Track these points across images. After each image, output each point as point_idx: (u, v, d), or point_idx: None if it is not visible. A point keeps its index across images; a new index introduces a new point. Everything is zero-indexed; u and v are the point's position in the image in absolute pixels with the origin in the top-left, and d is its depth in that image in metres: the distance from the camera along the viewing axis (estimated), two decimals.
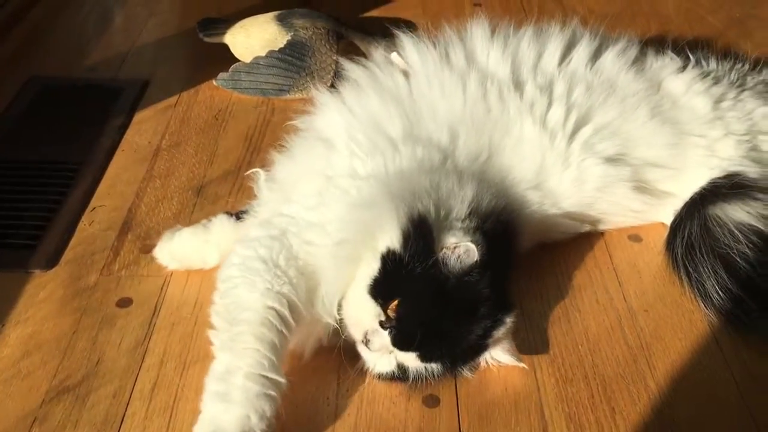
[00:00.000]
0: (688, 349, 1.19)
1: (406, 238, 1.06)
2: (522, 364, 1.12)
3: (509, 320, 1.10)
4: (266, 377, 1.02)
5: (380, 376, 1.10)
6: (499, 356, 1.12)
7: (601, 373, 1.15)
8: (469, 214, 1.11)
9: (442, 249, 1.06)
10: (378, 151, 1.19)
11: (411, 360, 1.07)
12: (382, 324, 1.06)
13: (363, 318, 1.07)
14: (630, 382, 1.14)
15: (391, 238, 1.07)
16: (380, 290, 1.06)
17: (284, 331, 1.07)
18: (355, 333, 1.09)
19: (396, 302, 1.04)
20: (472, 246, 1.05)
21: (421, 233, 1.06)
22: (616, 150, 1.30)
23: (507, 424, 1.08)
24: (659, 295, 1.29)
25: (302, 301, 1.10)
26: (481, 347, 1.10)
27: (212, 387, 1.02)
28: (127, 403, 1.08)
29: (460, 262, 1.05)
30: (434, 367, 1.07)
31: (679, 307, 1.26)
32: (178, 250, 1.28)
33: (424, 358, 1.06)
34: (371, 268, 1.07)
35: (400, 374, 1.08)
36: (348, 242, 1.10)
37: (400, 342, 1.05)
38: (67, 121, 1.66)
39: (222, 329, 1.07)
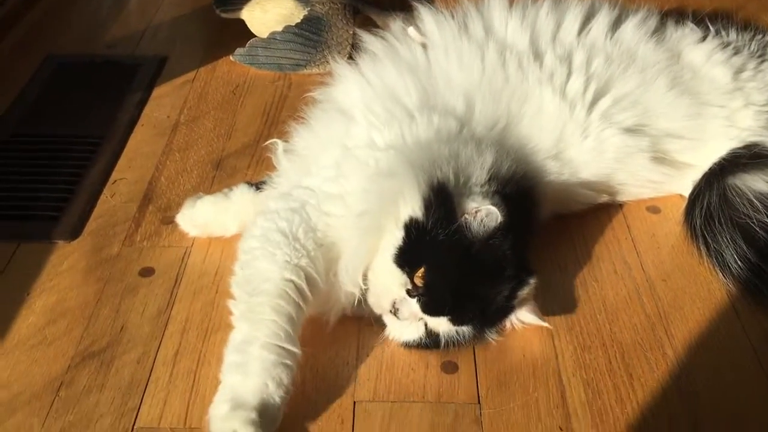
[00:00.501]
0: (707, 318, 1.19)
1: (428, 206, 1.07)
2: (546, 324, 1.13)
3: (532, 281, 1.11)
4: (282, 347, 1.03)
5: (407, 345, 1.11)
6: (524, 317, 1.13)
7: (619, 341, 1.16)
8: (489, 179, 1.12)
9: (463, 214, 1.07)
10: (395, 121, 1.20)
11: (443, 325, 1.07)
12: (409, 292, 1.07)
13: (390, 287, 1.08)
14: (648, 349, 1.14)
15: (412, 207, 1.08)
16: (406, 259, 1.06)
17: (301, 303, 1.08)
18: (383, 303, 1.10)
19: (422, 270, 1.05)
20: (494, 209, 1.05)
21: (442, 200, 1.07)
22: (635, 120, 1.29)
23: (525, 389, 1.09)
24: (677, 265, 1.29)
25: (320, 273, 1.11)
26: (508, 308, 1.11)
27: (230, 358, 1.03)
28: (151, 369, 1.10)
29: (483, 225, 1.06)
30: (465, 330, 1.08)
31: (698, 276, 1.26)
32: (199, 217, 1.30)
33: (456, 321, 1.07)
34: (395, 237, 1.08)
35: (430, 341, 1.09)
36: (370, 213, 1.11)
37: (431, 308, 1.06)
38: (86, 98, 1.67)
39: (241, 300, 1.08)
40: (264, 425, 0.98)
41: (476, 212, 1.06)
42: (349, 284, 1.11)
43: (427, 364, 1.12)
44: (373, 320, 1.14)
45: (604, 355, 1.14)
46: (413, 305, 1.07)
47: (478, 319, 1.08)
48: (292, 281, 1.08)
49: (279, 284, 1.07)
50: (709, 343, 1.16)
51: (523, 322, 1.14)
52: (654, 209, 1.40)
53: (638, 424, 1.04)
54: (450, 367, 1.12)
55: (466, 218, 1.06)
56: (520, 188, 1.15)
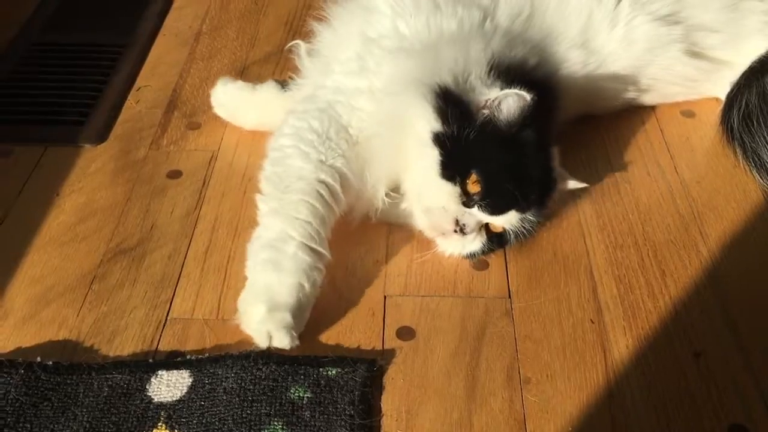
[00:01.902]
0: (742, 218, 1.17)
1: (443, 114, 1.04)
2: (585, 184, 1.15)
3: (557, 150, 1.12)
4: (315, 250, 1.02)
5: (472, 256, 1.09)
6: (567, 185, 1.13)
7: (652, 240, 1.14)
8: (489, 70, 1.08)
9: (480, 110, 1.04)
10: (421, 11, 1.17)
11: (511, 218, 1.05)
12: (465, 204, 1.05)
13: (447, 206, 1.05)
14: (681, 247, 1.13)
15: (428, 121, 1.05)
16: (452, 170, 1.04)
17: (333, 205, 1.07)
18: (445, 225, 1.06)
19: (473, 175, 1.03)
20: (514, 91, 1.02)
21: (453, 103, 1.04)
22: (668, 10, 1.25)
23: (556, 284, 1.08)
24: (712, 167, 1.26)
25: (354, 174, 1.09)
26: (553, 182, 1.10)
27: (262, 255, 1.01)
28: (183, 264, 1.11)
29: (512, 110, 1.03)
30: (529, 216, 1.06)
31: (733, 178, 1.24)
32: (223, 97, 1.32)
33: (523, 209, 1.05)
34: (429, 156, 1.05)
35: (494, 243, 1.08)
36: (380, 135, 1.09)
37: (498, 207, 1.04)
38: (107, 7, 1.65)
39: (272, 196, 1.06)
40: (296, 327, 0.99)
41: (496, 101, 1.03)
42: (372, 197, 1.10)
43: (457, 262, 1.12)
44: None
45: (636, 253, 1.12)
46: (476, 214, 1.05)
47: (538, 200, 1.07)
48: (326, 182, 1.06)
49: (313, 184, 1.05)
50: (745, 241, 1.14)
51: (564, 191, 1.13)
52: (689, 113, 1.37)
53: (670, 317, 1.04)
54: (481, 264, 1.11)
55: (484, 113, 1.04)
56: (534, 78, 1.11)
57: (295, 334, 0.98)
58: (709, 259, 1.11)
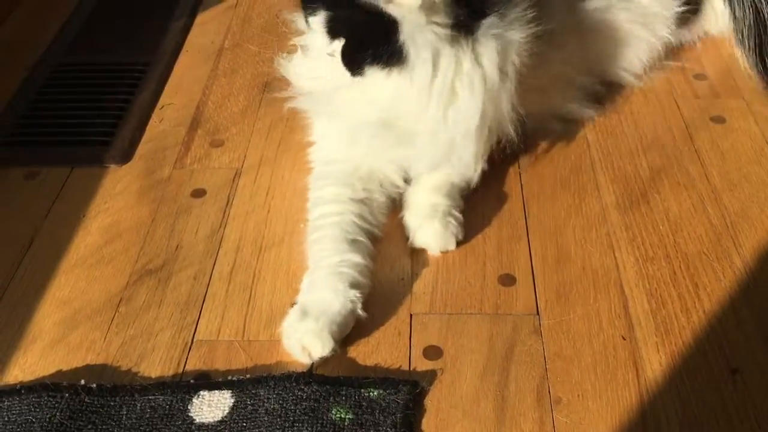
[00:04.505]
0: None
1: None
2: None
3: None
4: (343, 261, 1.06)
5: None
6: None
7: (684, 251, 1.12)
8: None
9: None
10: None
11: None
12: None
13: None
14: (714, 259, 1.10)
15: None
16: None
17: (353, 218, 1.13)
18: None
19: None
20: None
21: None
22: None
23: (585, 300, 1.06)
24: (744, 174, 1.23)
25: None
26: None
27: (302, 285, 1.07)
28: (208, 285, 1.11)
29: None
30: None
31: (767, 185, 1.21)
32: None
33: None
34: None
35: None
36: None
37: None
38: (130, 26, 1.67)
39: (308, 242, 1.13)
40: (328, 330, 0.99)
41: None
42: None
43: (483, 277, 1.10)
44: None
45: (667, 265, 1.10)
46: None
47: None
48: (339, 213, 1.13)
49: (328, 220, 1.13)
50: None
51: None
52: (719, 119, 1.33)
53: (704, 332, 1.01)
54: (508, 280, 1.10)
55: None
56: None
57: (328, 339, 0.99)
58: (744, 270, 1.08)
